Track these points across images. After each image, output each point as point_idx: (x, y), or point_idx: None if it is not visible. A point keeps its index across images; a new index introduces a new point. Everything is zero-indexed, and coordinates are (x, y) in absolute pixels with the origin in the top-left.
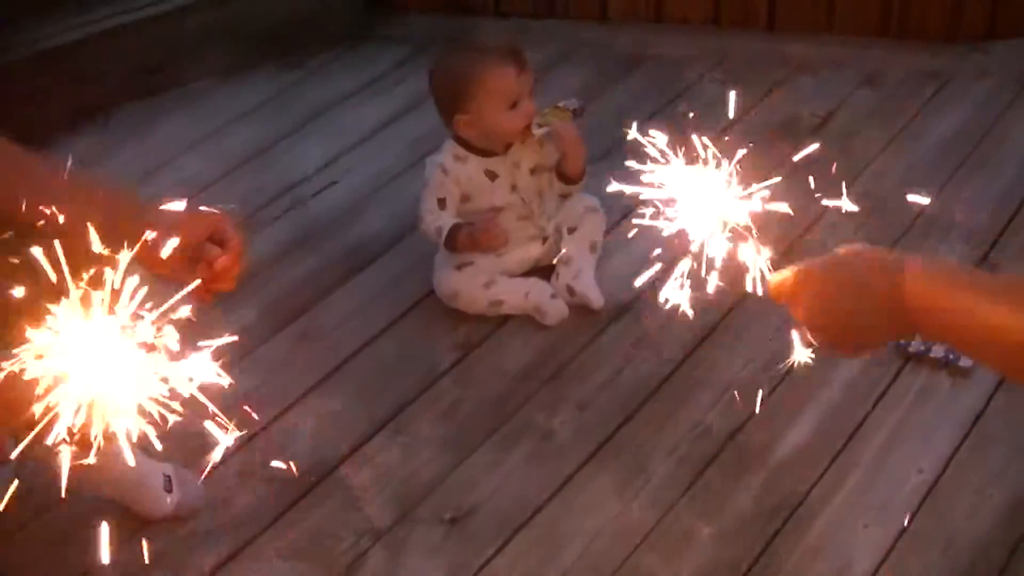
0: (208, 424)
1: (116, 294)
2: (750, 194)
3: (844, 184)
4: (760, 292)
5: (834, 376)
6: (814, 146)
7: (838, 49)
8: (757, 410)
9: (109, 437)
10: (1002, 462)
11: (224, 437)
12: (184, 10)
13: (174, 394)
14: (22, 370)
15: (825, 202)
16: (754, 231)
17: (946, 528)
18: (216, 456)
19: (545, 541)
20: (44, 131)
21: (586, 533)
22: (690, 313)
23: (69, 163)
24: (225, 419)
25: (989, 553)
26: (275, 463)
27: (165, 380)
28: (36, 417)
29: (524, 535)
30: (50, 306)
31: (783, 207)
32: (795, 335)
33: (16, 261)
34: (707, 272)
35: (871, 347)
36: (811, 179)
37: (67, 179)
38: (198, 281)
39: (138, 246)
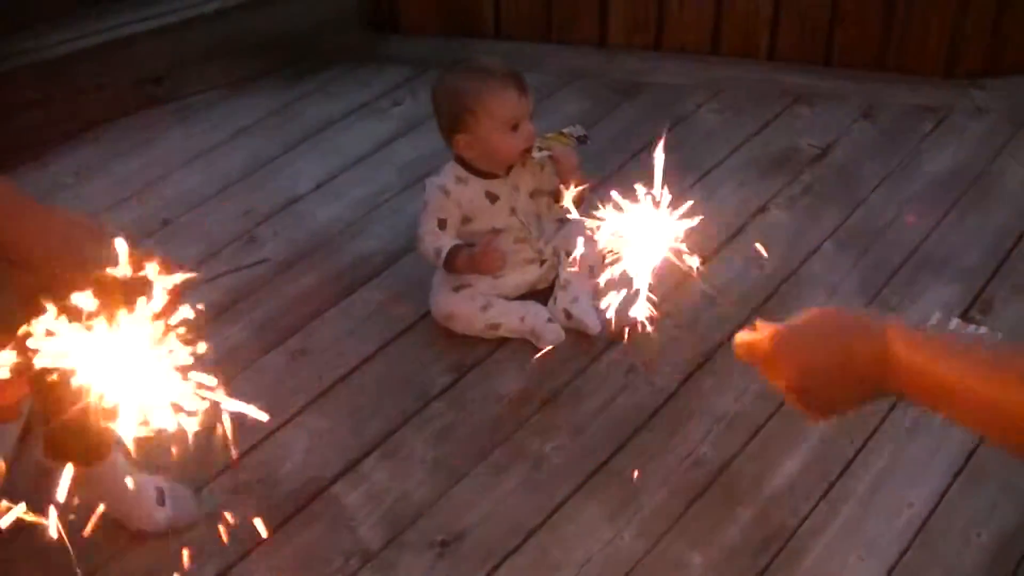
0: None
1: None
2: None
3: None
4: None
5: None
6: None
7: (837, 82)
8: (749, 442)
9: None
10: (992, 499)
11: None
12: (185, 24)
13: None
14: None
15: None
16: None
17: (936, 564)
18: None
19: (535, 567)
20: (43, 142)
21: (577, 560)
22: (649, 328)
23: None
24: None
25: None
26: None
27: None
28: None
29: (514, 561)
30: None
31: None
32: None
33: None
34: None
35: (847, 410)
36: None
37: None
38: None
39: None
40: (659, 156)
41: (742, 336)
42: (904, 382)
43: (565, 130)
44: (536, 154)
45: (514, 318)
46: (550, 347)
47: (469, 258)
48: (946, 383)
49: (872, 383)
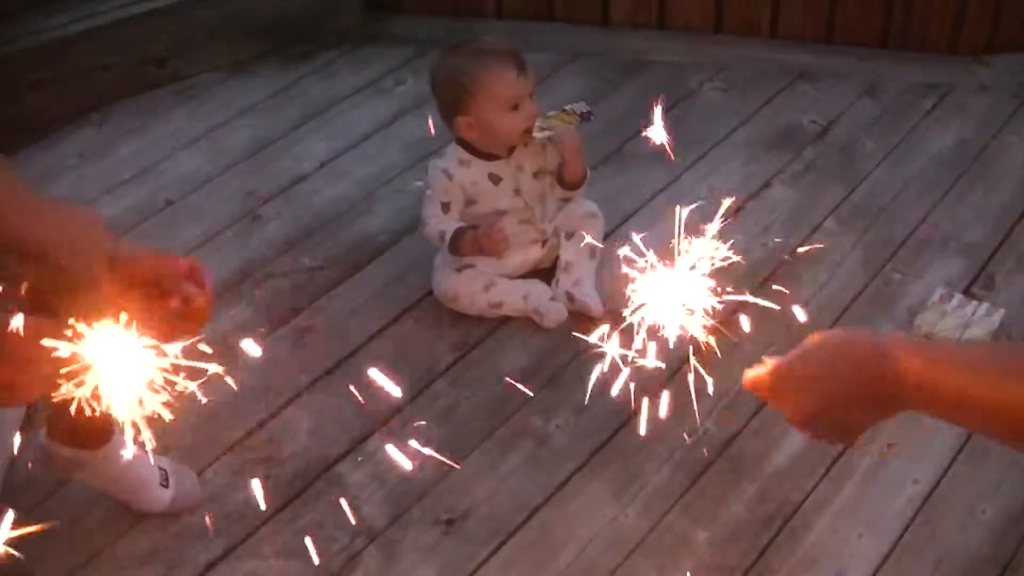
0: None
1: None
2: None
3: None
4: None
5: None
6: None
7: (839, 59)
8: (752, 419)
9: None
10: (996, 476)
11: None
12: (188, 5)
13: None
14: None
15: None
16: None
17: (940, 541)
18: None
19: (540, 545)
20: (46, 123)
21: (581, 538)
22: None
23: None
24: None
25: (982, 567)
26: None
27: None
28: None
29: (519, 539)
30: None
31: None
32: None
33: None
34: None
35: (862, 430)
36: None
37: (33, 196)
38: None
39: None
40: (679, 215)
41: (749, 373)
42: (916, 398)
43: (568, 107)
44: (538, 134)
45: (517, 297)
46: (553, 326)
47: (473, 240)
48: (957, 393)
49: (883, 403)
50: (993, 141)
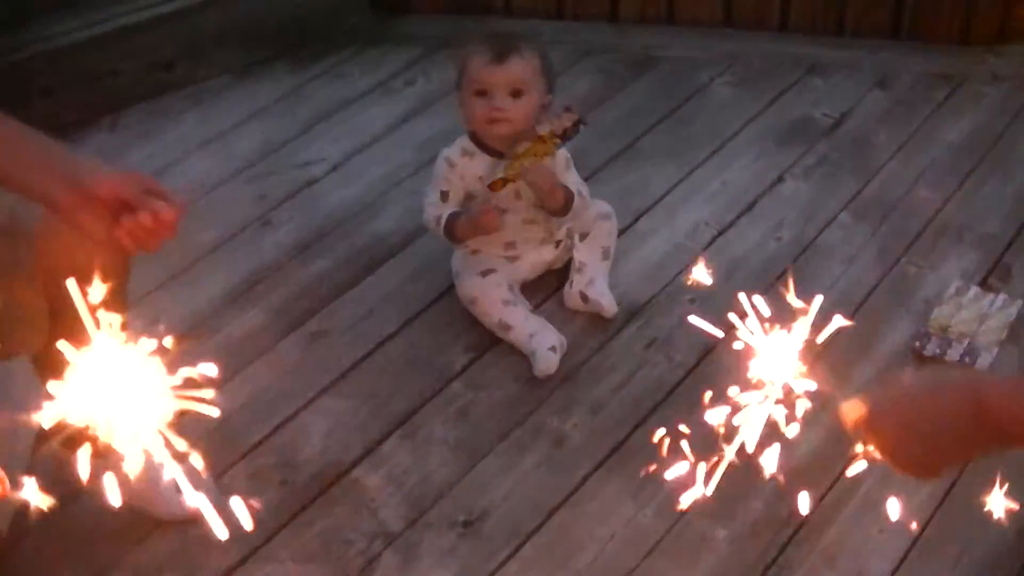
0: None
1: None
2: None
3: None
4: None
5: (848, 382)
6: None
7: (850, 51)
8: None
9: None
10: (1019, 468)
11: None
12: (197, 9)
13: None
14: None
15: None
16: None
17: (960, 535)
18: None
19: (558, 546)
20: (56, 130)
21: (599, 538)
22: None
23: None
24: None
25: (1003, 560)
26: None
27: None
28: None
29: (536, 540)
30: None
31: None
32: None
33: None
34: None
35: (955, 465)
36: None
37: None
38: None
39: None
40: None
41: (846, 408)
42: (1006, 434)
43: (545, 131)
44: (508, 172)
45: (525, 330)
46: (540, 375)
47: (468, 220)
48: None
49: (970, 442)
50: (1007, 131)
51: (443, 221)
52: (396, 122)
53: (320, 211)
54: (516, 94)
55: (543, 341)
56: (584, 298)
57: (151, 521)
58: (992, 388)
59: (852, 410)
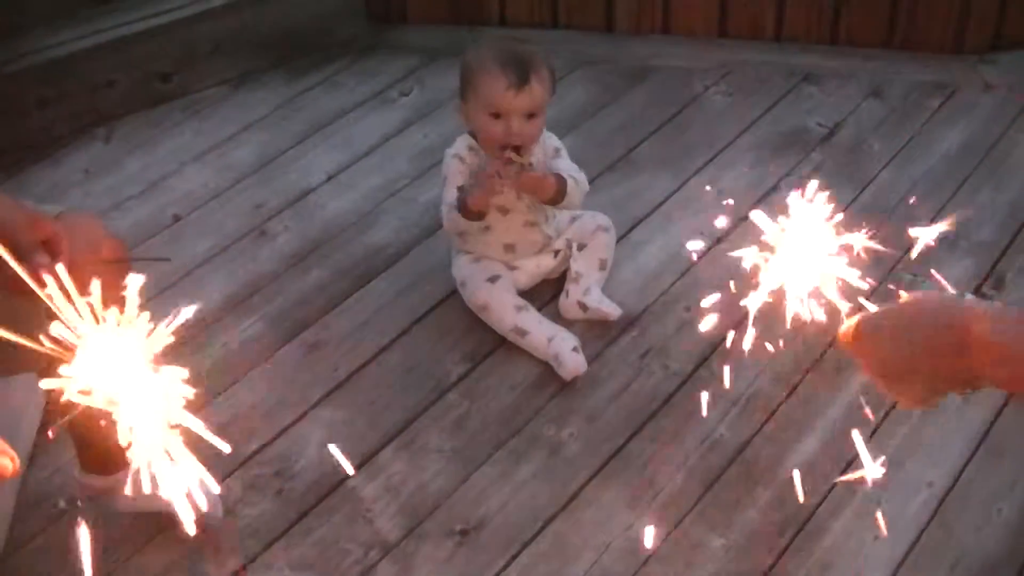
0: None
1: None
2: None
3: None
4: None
5: (843, 388)
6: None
7: (844, 60)
8: (765, 424)
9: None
10: (1011, 476)
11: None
12: (193, 20)
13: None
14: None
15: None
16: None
17: (956, 543)
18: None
19: (554, 554)
20: (53, 140)
21: (595, 546)
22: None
23: None
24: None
25: (999, 568)
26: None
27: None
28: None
29: (533, 548)
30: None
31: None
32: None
33: None
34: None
35: (935, 394)
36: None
37: None
38: None
39: None
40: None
41: (843, 327)
42: (987, 361)
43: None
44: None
45: (542, 336)
46: (568, 377)
47: (474, 184)
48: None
49: (952, 362)
50: (1000, 140)
51: (454, 203)
52: (392, 132)
53: (316, 221)
54: (530, 116)
55: (564, 344)
56: (583, 307)
57: (151, 529)
58: (979, 319)
59: (845, 328)
